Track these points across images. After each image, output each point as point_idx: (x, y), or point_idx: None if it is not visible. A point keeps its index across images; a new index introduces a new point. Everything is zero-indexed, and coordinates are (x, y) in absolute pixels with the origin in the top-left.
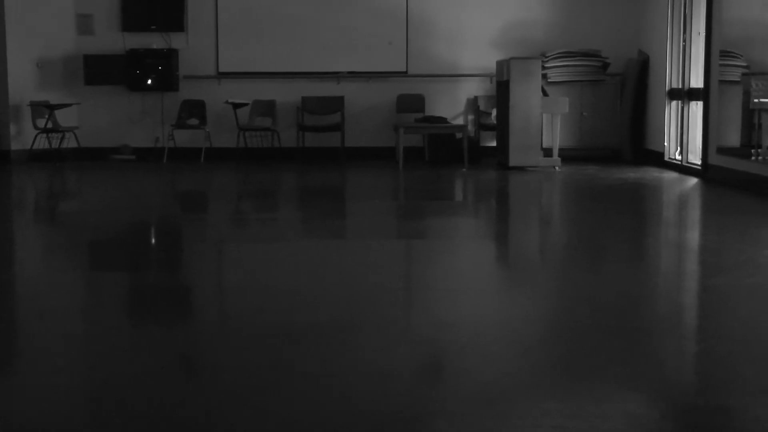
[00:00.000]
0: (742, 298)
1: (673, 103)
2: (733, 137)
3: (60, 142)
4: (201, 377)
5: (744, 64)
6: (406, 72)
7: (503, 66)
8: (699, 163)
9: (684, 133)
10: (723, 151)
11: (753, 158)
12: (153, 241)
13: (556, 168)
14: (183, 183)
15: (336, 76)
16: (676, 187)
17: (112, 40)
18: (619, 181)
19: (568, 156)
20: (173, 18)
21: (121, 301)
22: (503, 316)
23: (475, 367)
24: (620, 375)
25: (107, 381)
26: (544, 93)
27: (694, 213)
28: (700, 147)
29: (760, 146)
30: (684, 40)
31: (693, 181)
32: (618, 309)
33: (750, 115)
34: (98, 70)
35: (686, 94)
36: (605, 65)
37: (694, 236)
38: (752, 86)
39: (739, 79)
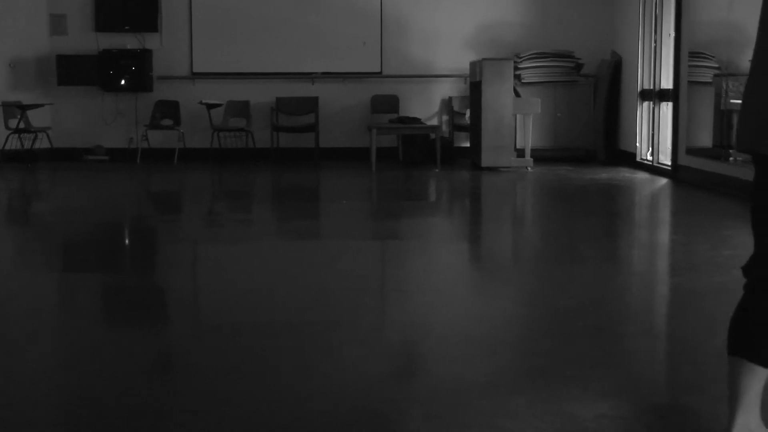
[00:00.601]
0: (700, 297)
1: (645, 103)
2: (704, 138)
3: (32, 143)
4: (177, 377)
5: (716, 65)
6: (380, 73)
7: (476, 67)
8: (669, 163)
9: (655, 134)
10: (693, 151)
11: (731, 159)
12: (125, 242)
13: (528, 168)
14: (156, 184)
15: (310, 76)
16: (645, 187)
17: (85, 40)
18: (589, 182)
19: (542, 156)
20: (147, 18)
21: (94, 302)
22: (474, 316)
23: (446, 367)
24: (589, 376)
25: (81, 381)
26: (517, 94)
27: (658, 213)
28: (671, 148)
29: (732, 147)
30: (655, 42)
31: (663, 181)
32: (584, 309)
33: (722, 116)
34: (71, 70)
35: (657, 95)
36: (578, 66)
37: (655, 236)
38: (724, 87)
39: (710, 81)
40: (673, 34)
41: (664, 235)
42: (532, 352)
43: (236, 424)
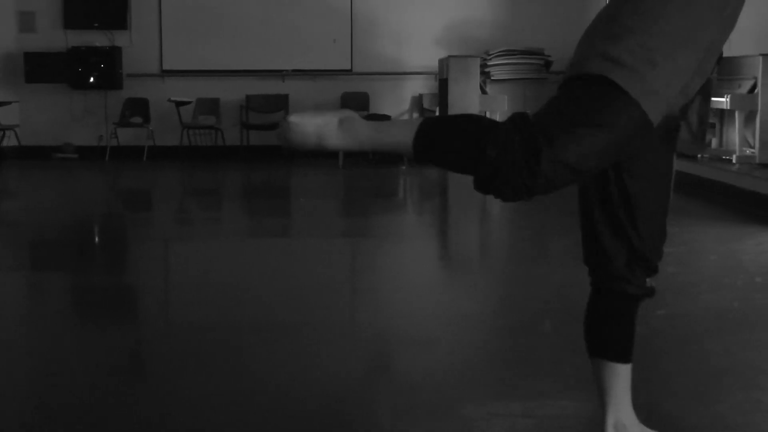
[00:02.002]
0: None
1: None
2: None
3: (0, 141)
4: (145, 376)
5: None
6: (350, 70)
7: (444, 64)
8: None
9: None
10: None
11: (699, 156)
12: (93, 240)
13: None
14: (125, 182)
15: (281, 74)
16: None
17: (54, 37)
18: None
19: None
20: (116, 16)
21: (62, 301)
22: (442, 314)
23: (420, 365)
24: (561, 373)
25: (52, 381)
26: (483, 91)
27: None
28: None
29: (707, 145)
30: None
31: None
32: (554, 307)
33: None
34: (40, 67)
35: None
36: (548, 64)
37: None
38: None
39: None
40: None
41: None
42: (501, 348)
43: (207, 423)
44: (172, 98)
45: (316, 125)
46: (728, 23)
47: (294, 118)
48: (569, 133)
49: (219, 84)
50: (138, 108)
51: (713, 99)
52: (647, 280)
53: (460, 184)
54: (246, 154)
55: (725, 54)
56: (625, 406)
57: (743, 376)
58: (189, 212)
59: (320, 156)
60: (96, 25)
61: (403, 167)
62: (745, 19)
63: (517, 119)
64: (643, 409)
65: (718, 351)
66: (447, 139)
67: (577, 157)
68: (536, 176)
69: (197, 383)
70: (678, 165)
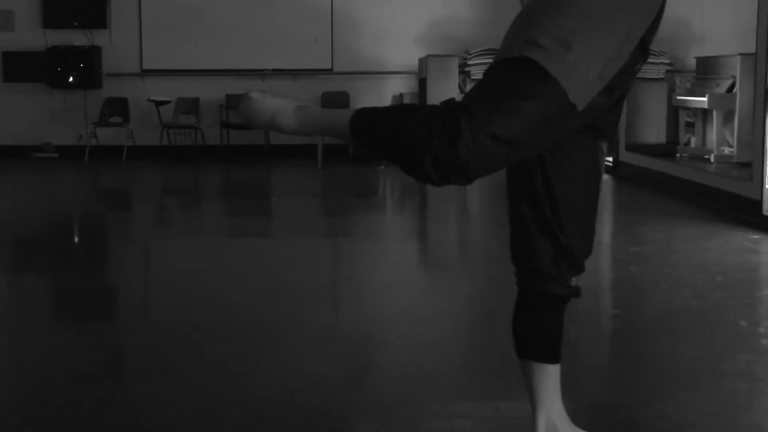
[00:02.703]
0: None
1: None
2: (659, 134)
3: None
4: (123, 377)
5: (667, 61)
6: (331, 69)
7: (423, 63)
8: (611, 160)
9: None
10: (634, 148)
11: (677, 155)
12: (72, 240)
13: None
14: (104, 181)
15: (261, 73)
16: None
17: (32, 37)
18: None
19: None
20: (96, 15)
21: (40, 301)
22: (422, 314)
23: (398, 366)
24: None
25: (28, 382)
26: (462, 90)
27: None
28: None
29: (686, 144)
30: None
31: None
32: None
33: (675, 112)
34: (18, 67)
35: None
36: None
37: None
38: (676, 83)
39: (662, 77)
40: None
41: None
42: (483, 348)
43: (185, 423)
44: (152, 98)
45: (274, 105)
46: (649, 14)
47: (255, 95)
48: (491, 106)
49: (199, 83)
50: (117, 107)
51: (693, 99)
52: (573, 279)
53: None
54: (226, 153)
55: (704, 54)
56: (556, 406)
57: (689, 376)
58: (169, 212)
59: (300, 156)
60: (75, 24)
61: (382, 167)
62: (723, 19)
63: (444, 101)
64: (592, 409)
65: (670, 350)
66: (376, 121)
67: (499, 128)
68: (457, 147)
69: (176, 384)
70: (654, 164)
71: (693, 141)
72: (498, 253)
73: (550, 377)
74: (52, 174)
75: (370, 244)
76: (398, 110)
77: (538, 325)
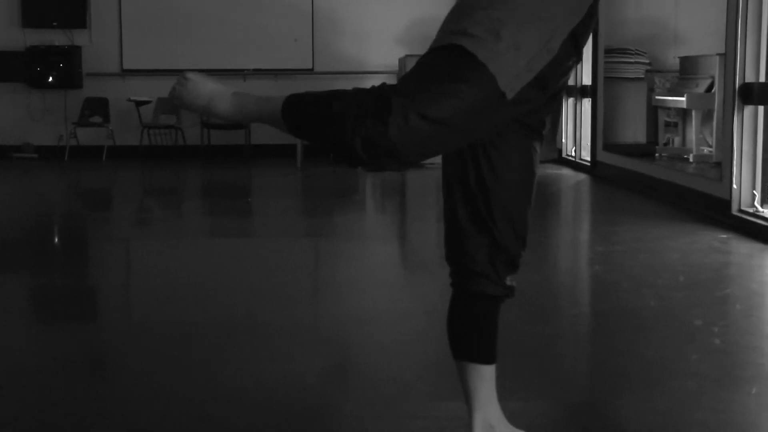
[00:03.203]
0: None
1: (570, 99)
2: (638, 134)
3: None
4: (106, 377)
5: (646, 61)
6: (312, 69)
7: (403, 63)
8: (589, 159)
9: (577, 130)
10: (610, 148)
11: (656, 155)
12: (51, 241)
13: None
14: (84, 182)
15: (242, 73)
16: (557, 183)
17: (11, 36)
18: None
19: None
20: (75, 14)
21: (22, 300)
22: (403, 313)
23: (379, 365)
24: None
25: (8, 381)
26: None
27: (555, 209)
28: (590, 144)
29: (666, 144)
30: None
31: (580, 177)
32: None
33: (654, 112)
34: None
35: (579, 91)
36: None
37: (538, 233)
38: (656, 83)
39: (642, 76)
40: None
41: (545, 231)
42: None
43: (168, 423)
44: (132, 98)
45: (212, 89)
46: (580, 9)
47: (192, 76)
48: (423, 87)
49: None
50: (98, 107)
51: (674, 98)
52: (508, 278)
53: (417, 184)
54: (206, 153)
55: (684, 54)
56: (492, 406)
57: (638, 375)
58: (149, 212)
59: (280, 155)
60: (55, 23)
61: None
62: (705, 18)
63: (377, 85)
64: (539, 409)
65: (622, 350)
66: (307, 105)
67: (430, 107)
68: (388, 126)
69: (159, 382)
70: (630, 164)
71: (675, 141)
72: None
73: (485, 378)
74: (32, 174)
75: (351, 243)
76: (328, 93)
77: (472, 326)
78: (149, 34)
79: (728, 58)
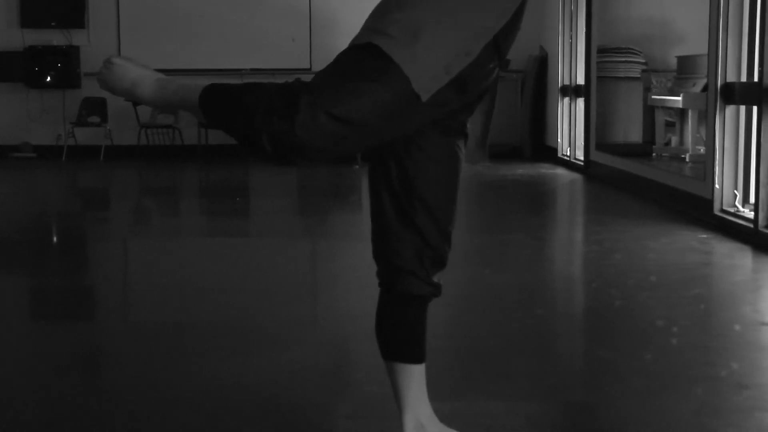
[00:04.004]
0: (518, 292)
1: (565, 99)
2: (634, 133)
3: None
4: (102, 376)
5: (642, 60)
6: (310, 69)
7: None
8: (582, 159)
9: (572, 130)
10: (603, 147)
11: (653, 155)
12: (51, 239)
13: None
14: (82, 181)
15: (240, 72)
16: (550, 183)
17: (10, 36)
18: (499, 178)
19: None
20: (74, 14)
21: (20, 300)
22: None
23: (374, 362)
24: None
25: (8, 379)
26: None
27: (541, 208)
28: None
29: (666, 144)
30: (570, 38)
31: (573, 177)
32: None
33: (651, 111)
34: None
35: (573, 91)
36: (505, 62)
37: (520, 233)
38: (652, 83)
39: (638, 76)
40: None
41: (526, 231)
42: (455, 347)
43: (162, 423)
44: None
45: (137, 73)
46: (504, 14)
47: (117, 60)
48: (333, 85)
49: None
50: (95, 107)
51: (669, 98)
52: (435, 276)
53: None
54: (204, 153)
55: (682, 53)
56: (423, 406)
57: (587, 376)
58: (146, 211)
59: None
60: (53, 23)
61: (356, 167)
62: (702, 17)
63: (289, 81)
64: (486, 409)
65: (577, 350)
66: (221, 95)
67: (337, 106)
68: (294, 124)
69: (155, 383)
70: (621, 164)
71: (673, 141)
72: (473, 252)
73: (415, 377)
74: (30, 174)
75: (346, 242)
76: (242, 86)
77: (401, 326)
78: (147, 34)
79: (710, 58)
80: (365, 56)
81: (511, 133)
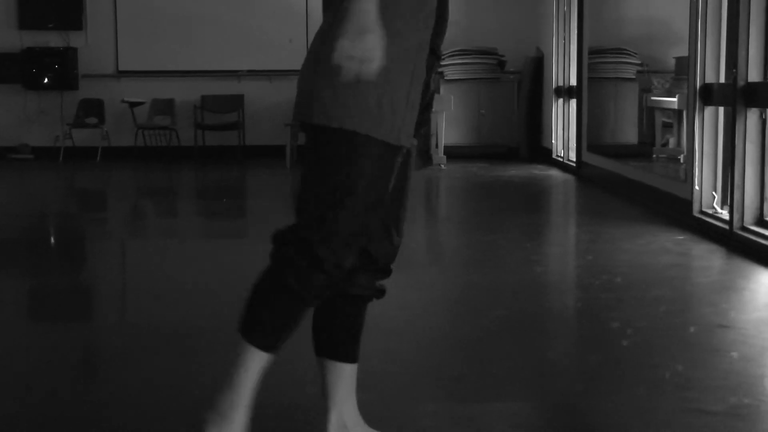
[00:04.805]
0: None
1: (560, 100)
2: (630, 134)
3: None
4: (99, 377)
5: (638, 61)
6: None
7: None
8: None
9: (565, 131)
10: (594, 149)
11: (654, 156)
12: (49, 240)
13: (442, 166)
14: (79, 182)
15: (236, 74)
16: (540, 184)
17: (8, 38)
18: (493, 179)
19: (466, 154)
20: (71, 16)
21: (17, 300)
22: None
23: (369, 361)
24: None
25: (5, 379)
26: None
27: (519, 210)
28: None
29: (664, 144)
30: (564, 39)
31: (564, 178)
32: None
33: (650, 112)
34: None
35: (566, 92)
36: (502, 63)
37: (498, 235)
38: (653, 84)
39: (634, 77)
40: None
41: (503, 233)
42: (451, 348)
43: (157, 424)
44: (126, 99)
45: None
46: (430, 19)
47: None
48: (332, 214)
49: (174, 84)
50: (93, 109)
51: (665, 99)
52: (377, 283)
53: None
54: (200, 154)
55: (679, 54)
56: (349, 405)
57: (530, 378)
58: (142, 212)
59: (273, 156)
60: (51, 25)
61: None
62: None
63: (286, 237)
64: (426, 410)
65: (526, 352)
66: (262, 311)
67: (350, 224)
68: (326, 270)
69: (152, 384)
70: (612, 166)
71: (671, 142)
72: (468, 256)
73: (345, 376)
74: (28, 175)
75: None
76: (266, 287)
77: (337, 324)
78: (145, 35)
79: (690, 59)
80: (335, 147)
81: (508, 134)
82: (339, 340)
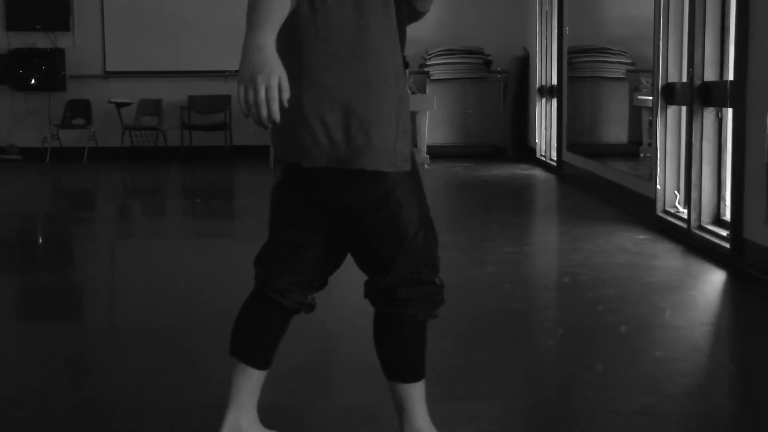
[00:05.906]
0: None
1: (543, 100)
2: (620, 134)
3: None
4: (89, 378)
5: (628, 60)
6: None
7: None
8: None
9: (547, 130)
10: (573, 148)
11: (641, 155)
12: (36, 241)
13: (425, 166)
14: (66, 183)
15: (223, 74)
16: (518, 183)
17: None
18: (473, 179)
19: (452, 153)
20: (59, 17)
21: (5, 301)
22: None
23: (362, 359)
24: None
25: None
26: (412, 91)
27: (487, 210)
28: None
29: (649, 144)
30: (546, 38)
31: (544, 177)
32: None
33: (638, 112)
34: None
35: (548, 91)
36: (488, 63)
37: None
38: (642, 83)
39: (623, 76)
40: (567, 31)
41: (464, 233)
42: (447, 349)
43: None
44: (113, 100)
45: None
46: (396, 35)
47: None
48: (424, 241)
49: (161, 85)
50: (80, 109)
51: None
52: (310, 297)
53: None
54: (187, 154)
55: None
56: (248, 408)
57: (443, 375)
58: (129, 212)
59: (259, 156)
60: (38, 26)
61: None
62: None
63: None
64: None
65: (450, 352)
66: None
67: (433, 234)
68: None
69: (150, 384)
70: (589, 165)
71: None
72: (463, 257)
73: (252, 381)
74: (16, 176)
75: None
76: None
77: (256, 328)
78: (132, 36)
79: (654, 58)
80: (384, 193)
81: (495, 134)
82: (253, 345)
